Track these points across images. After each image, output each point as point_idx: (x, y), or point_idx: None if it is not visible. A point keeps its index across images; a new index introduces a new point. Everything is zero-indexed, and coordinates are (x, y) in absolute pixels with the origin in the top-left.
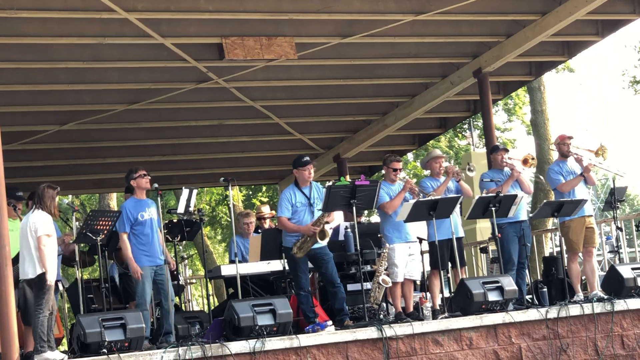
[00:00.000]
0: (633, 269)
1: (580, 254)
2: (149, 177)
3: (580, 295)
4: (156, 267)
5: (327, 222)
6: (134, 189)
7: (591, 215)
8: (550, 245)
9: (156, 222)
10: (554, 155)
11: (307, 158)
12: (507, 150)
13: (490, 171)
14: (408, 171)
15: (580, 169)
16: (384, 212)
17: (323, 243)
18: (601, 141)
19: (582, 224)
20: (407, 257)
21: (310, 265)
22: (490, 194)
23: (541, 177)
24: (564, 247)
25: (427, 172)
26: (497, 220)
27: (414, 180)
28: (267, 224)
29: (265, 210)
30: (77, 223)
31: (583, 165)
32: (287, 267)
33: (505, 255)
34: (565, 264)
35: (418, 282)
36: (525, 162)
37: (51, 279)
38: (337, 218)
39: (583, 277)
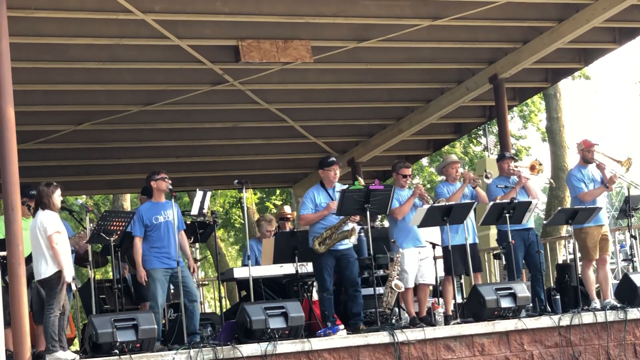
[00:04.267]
0: None
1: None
2: (170, 181)
3: (596, 302)
4: (171, 270)
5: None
6: (151, 191)
7: (604, 224)
8: (564, 252)
9: (175, 225)
10: (569, 162)
11: (333, 158)
12: (513, 159)
13: (497, 178)
14: (423, 177)
15: (600, 175)
16: (393, 218)
17: (352, 241)
18: (628, 154)
19: (599, 231)
20: (417, 262)
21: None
22: (504, 200)
23: (552, 181)
24: (578, 255)
25: (441, 178)
26: (502, 227)
27: (428, 186)
28: (288, 226)
29: (288, 210)
30: (91, 224)
31: (606, 175)
32: (300, 271)
33: (512, 263)
34: (579, 272)
35: (431, 288)
36: (532, 168)
37: (68, 276)
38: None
39: (596, 285)
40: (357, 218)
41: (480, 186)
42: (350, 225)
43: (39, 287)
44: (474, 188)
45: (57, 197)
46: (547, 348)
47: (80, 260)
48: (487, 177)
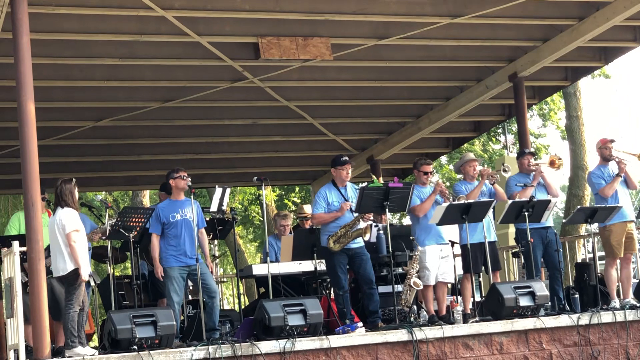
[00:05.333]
0: None
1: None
2: (189, 180)
3: (616, 301)
4: (188, 268)
5: (366, 220)
6: (171, 188)
7: (633, 221)
8: (583, 251)
9: (194, 223)
10: (589, 160)
11: (346, 157)
12: (533, 155)
13: (517, 175)
14: (442, 175)
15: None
16: (415, 215)
17: (366, 238)
18: None
19: (624, 229)
20: (439, 259)
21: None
22: (523, 199)
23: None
24: (599, 253)
25: (460, 176)
26: (521, 226)
27: (447, 183)
28: (308, 225)
29: (308, 209)
30: (110, 221)
31: (623, 168)
32: (318, 268)
33: (531, 261)
34: (599, 271)
35: (449, 286)
36: (552, 163)
37: (85, 274)
38: None
39: (617, 284)
40: (370, 216)
41: (498, 181)
42: (363, 223)
43: (52, 284)
44: (492, 185)
45: (76, 193)
46: (566, 347)
47: (99, 256)
48: (505, 171)
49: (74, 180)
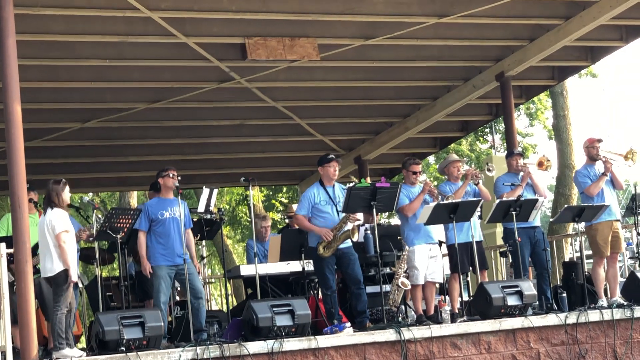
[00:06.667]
0: None
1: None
2: (178, 178)
3: (603, 300)
4: (176, 267)
5: (353, 221)
6: (160, 187)
7: (618, 220)
8: (570, 250)
9: (182, 222)
10: (576, 159)
11: (332, 155)
12: (521, 155)
13: (506, 175)
14: (429, 174)
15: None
16: (404, 215)
17: (354, 238)
18: (631, 145)
19: (610, 227)
20: (428, 259)
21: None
22: (511, 198)
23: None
24: (586, 252)
25: (445, 177)
26: (509, 225)
27: (435, 183)
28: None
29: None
30: (96, 219)
31: (609, 168)
32: (306, 268)
33: (519, 261)
34: (586, 269)
35: (437, 286)
36: (540, 164)
37: (74, 275)
38: None
39: (605, 283)
40: (357, 217)
41: (483, 181)
42: (350, 225)
43: (42, 284)
44: (477, 185)
45: (66, 194)
46: (554, 346)
47: (87, 257)
48: (489, 171)
49: (64, 180)
